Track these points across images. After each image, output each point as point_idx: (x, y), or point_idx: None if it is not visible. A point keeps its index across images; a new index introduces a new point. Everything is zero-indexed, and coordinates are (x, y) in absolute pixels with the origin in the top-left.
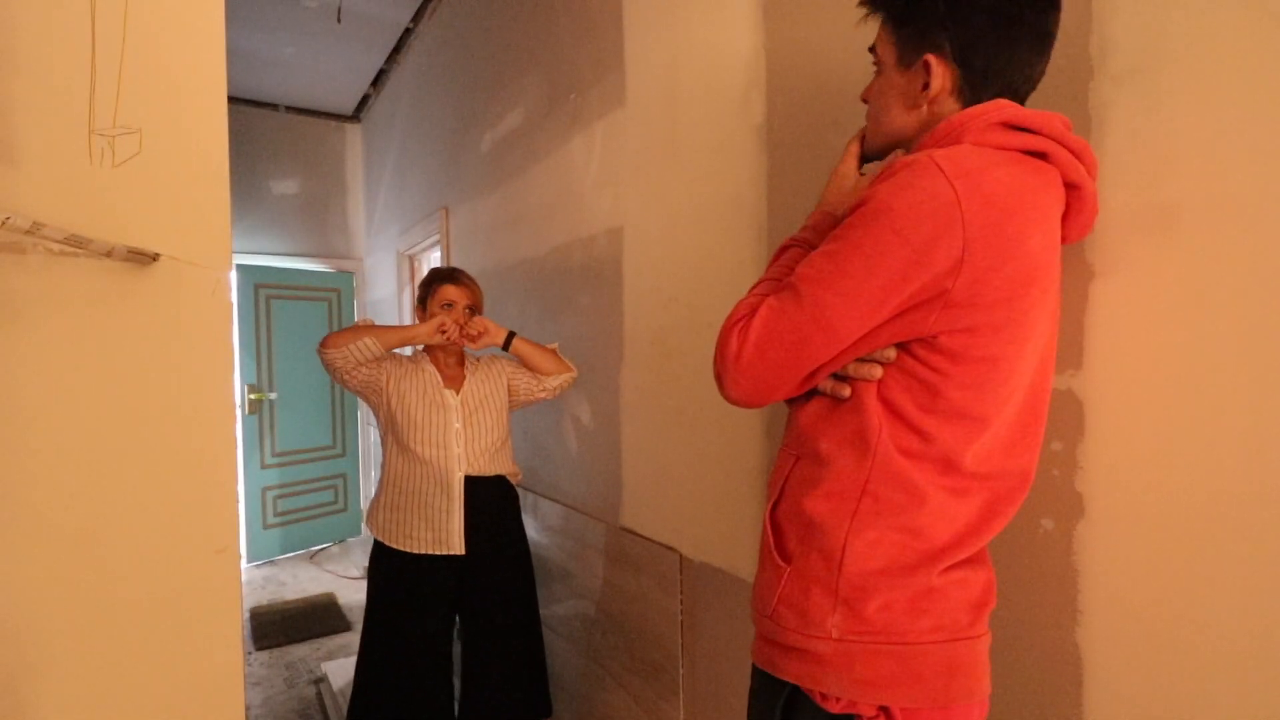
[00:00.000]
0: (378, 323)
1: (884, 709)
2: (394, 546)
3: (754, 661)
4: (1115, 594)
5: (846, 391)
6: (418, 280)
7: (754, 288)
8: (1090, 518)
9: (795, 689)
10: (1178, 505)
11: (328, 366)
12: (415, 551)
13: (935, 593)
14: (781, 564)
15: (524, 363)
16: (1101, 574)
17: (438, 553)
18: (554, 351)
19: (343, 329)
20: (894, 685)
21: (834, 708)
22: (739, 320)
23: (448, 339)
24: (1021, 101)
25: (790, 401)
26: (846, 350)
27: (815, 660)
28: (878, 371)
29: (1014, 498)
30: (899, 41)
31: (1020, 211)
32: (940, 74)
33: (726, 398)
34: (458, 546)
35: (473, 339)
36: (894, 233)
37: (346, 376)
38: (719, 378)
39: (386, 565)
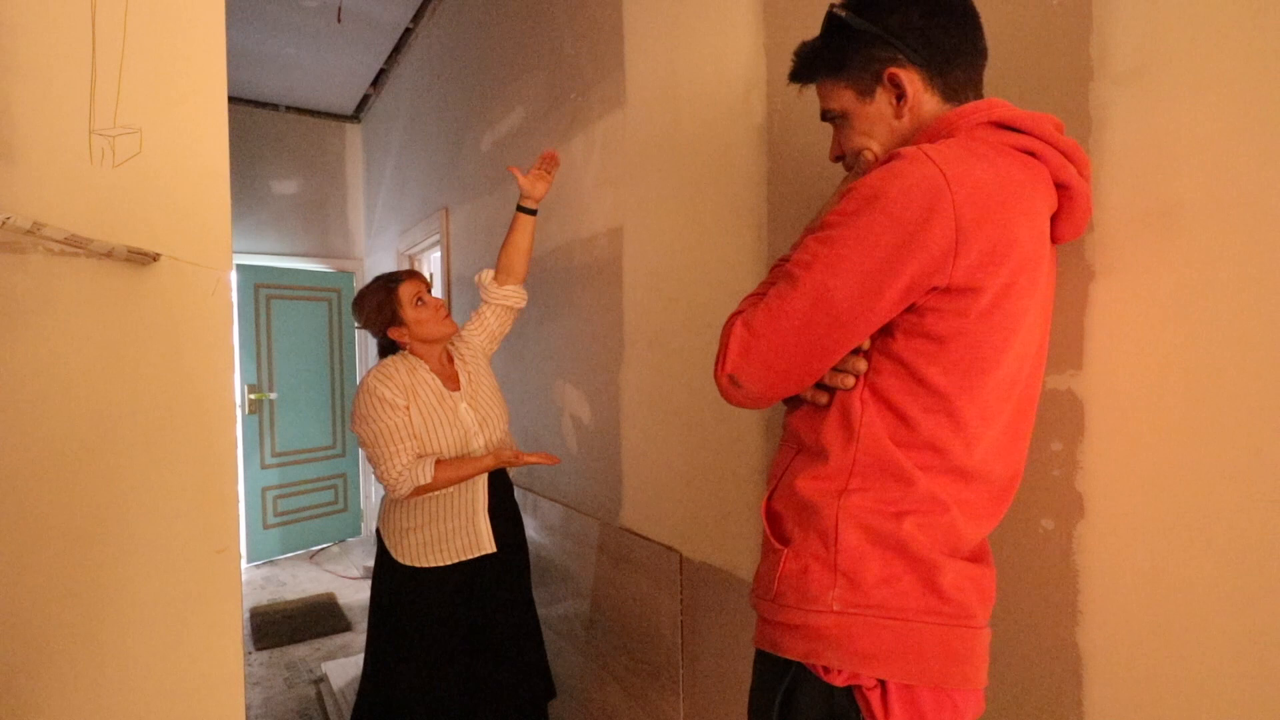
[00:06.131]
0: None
1: (881, 682)
2: (428, 565)
3: (756, 646)
4: (1115, 594)
5: (824, 399)
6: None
7: (747, 297)
8: (1090, 518)
9: (799, 671)
10: (1178, 505)
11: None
12: (449, 563)
13: (939, 577)
14: (780, 547)
15: (514, 241)
16: (1101, 574)
17: (469, 558)
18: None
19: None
20: (893, 659)
21: (837, 680)
22: (739, 314)
23: (518, 460)
24: (979, 74)
25: (786, 403)
26: (853, 333)
27: (817, 635)
28: (850, 381)
29: (1004, 497)
30: (850, 81)
31: (1009, 201)
32: (909, 78)
33: (732, 398)
34: (489, 545)
35: (540, 194)
36: (886, 216)
37: None
38: (727, 375)
39: (412, 585)
